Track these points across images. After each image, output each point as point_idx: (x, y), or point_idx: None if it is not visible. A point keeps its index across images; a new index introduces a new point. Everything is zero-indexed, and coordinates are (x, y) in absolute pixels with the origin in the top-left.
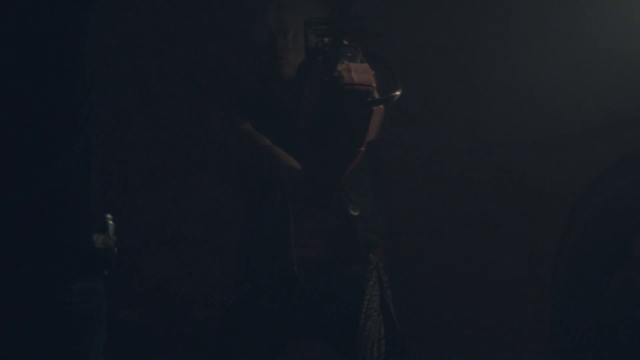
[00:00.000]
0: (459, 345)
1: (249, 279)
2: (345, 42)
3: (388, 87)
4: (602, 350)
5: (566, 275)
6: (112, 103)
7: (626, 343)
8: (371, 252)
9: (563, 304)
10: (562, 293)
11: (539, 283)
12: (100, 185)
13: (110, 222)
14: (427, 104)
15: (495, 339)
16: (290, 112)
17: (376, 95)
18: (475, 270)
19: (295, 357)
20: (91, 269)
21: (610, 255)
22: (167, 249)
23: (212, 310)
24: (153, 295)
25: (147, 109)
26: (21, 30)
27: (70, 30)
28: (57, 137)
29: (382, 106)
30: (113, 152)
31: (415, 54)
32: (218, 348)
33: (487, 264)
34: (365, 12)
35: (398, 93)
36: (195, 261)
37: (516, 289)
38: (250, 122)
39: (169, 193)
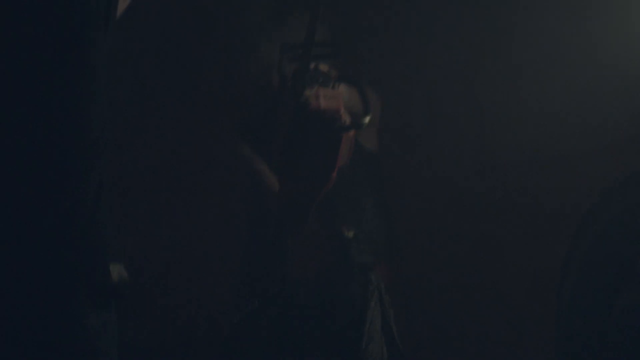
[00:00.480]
0: None
1: (251, 300)
2: (324, 67)
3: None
4: None
5: (572, 295)
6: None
7: None
8: (369, 272)
9: (568, 323)
10: (568, 313)
11: (545, 303)
12: (110, 215)
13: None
14: (432, 122)
15: (500, 359)
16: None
17: (345, 121)
18: (481, 289)
19: None
20: (107, 303)
21: (616, 275)
22: (170, 270)
23: (216, 332)
24: (157, 316)
25: (147, 131)
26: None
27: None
28: (69, 168)
29: (351, 133)
30: (115, 175)
31: (421, 72)
32: None
33: (492, 283)
34: (342, 37)
35: (367, 119)
36: (198, 282)
37: (521, 308)
38: (248, 145)
39: (171, 213)
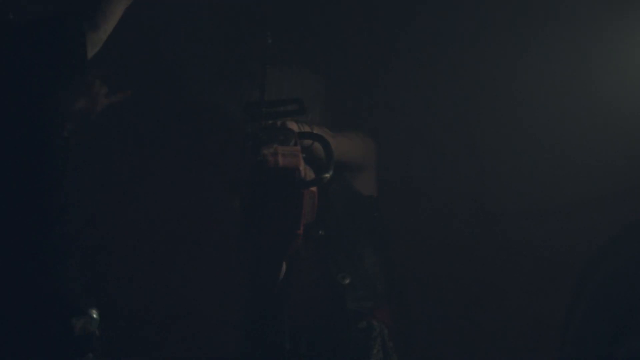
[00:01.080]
0: None
1: (252, 351)
2: (292, 124)
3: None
4: None
5: (574, 345)
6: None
7: None
8: (371, 319)
9: None
10: None
11: (547, 353)
12: (79, 271)
13: (95, 316)
14: (431, 171)
15: None
16: None
17: (305, 177)
18: (482, 340)
19: None
20: (73, 356)
21: (618, 325)
22: (171, 321)
23: None
24: None
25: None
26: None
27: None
28: (31, 224)
29: (314, 189)
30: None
31: (419, 122)
32: None
33: (493, 334)
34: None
35: (327, 175)
36: (199, 334)
37: (524, 358)
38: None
39: (172, 264)
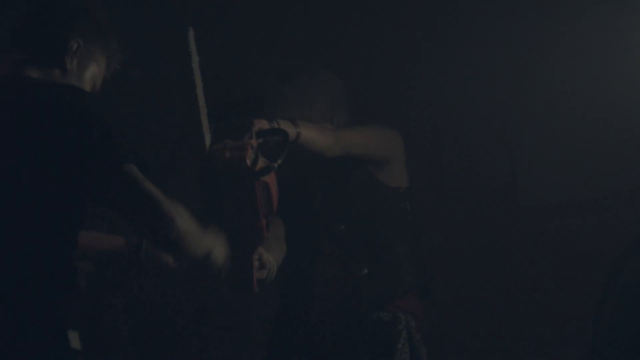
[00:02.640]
0: None
1: (280, 345)
2: (261, 122)
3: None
4: None
5: (605, 338)
6: None
7: None
8: (389, 311)
9: None
10: (602, 356)
11: (579, 347)
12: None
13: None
14: (463, 167)
15: None
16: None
17: (253, 168)
18: (513, 333)
19: None
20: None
21: None
22: (198, 320)
23: None
24: None
25: None
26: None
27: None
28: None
29: (267, 180)
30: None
31: (451, 117)
32: None
33: (525, 327)
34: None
35: (275, 164)
36: (228, 331)
37: (556, 353)
38: None
39: None
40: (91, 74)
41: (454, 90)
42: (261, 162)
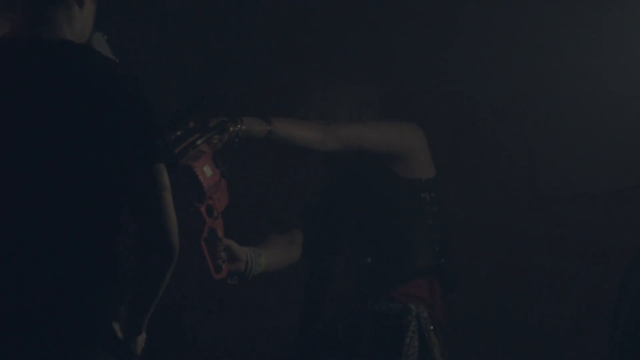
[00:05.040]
0: None
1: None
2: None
3: None
4: None
5: (625, 330)
6: None
7: None
8: (408, 302)
9: (623, 358)
10: (622, 347)
11: (598, 337)
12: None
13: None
14: (483, 157)
15: None
16: None
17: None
18: (533, 324)
19: None
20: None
21: None
22: (221, 309)
23: None
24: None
25: None
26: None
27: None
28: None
29: (192, 164)
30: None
31: (470, 107)
32: None
33: (544, 318)
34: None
35: (199, 142)
36: (249, 322)
37: (575, 343)
38: None
39: None
40: (90, 20)
41: (474, 82)
42: (194, 152)
